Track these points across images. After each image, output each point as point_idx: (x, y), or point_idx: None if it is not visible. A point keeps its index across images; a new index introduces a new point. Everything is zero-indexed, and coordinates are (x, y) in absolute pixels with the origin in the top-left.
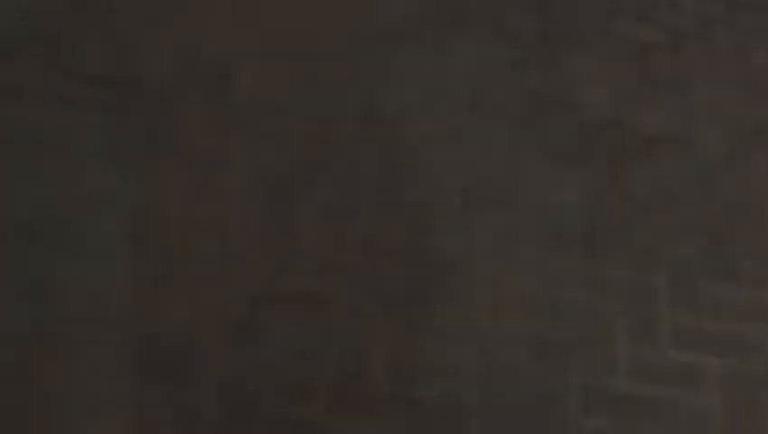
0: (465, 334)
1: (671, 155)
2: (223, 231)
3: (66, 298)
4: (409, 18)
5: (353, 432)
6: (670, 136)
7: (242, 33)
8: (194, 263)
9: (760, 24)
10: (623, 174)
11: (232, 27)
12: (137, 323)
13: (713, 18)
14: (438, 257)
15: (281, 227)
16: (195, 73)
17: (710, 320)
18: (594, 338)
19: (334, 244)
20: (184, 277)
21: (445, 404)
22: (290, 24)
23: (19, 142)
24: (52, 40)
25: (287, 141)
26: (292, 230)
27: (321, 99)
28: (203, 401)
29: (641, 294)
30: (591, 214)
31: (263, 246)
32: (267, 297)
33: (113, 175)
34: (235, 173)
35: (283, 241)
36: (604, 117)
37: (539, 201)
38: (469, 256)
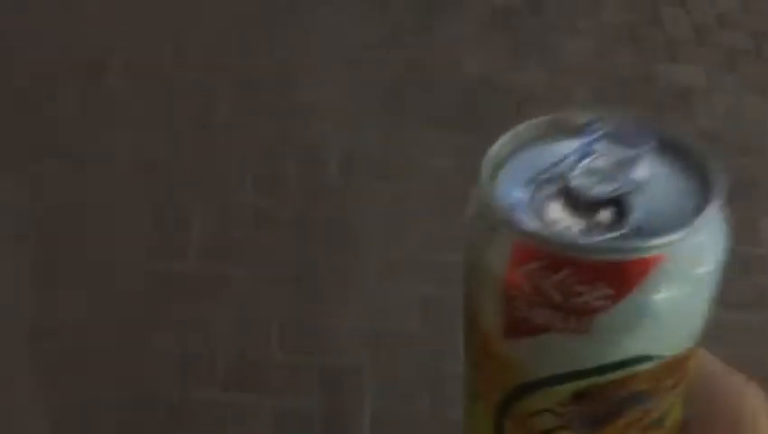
0: (357, 300)
1: (543, 113)
2: (108, 219)
3: None
4: None
5: (252, 409)
6: (540, 95)
7: (116, 19)
8: (81, 252)
9: None
10: (498, 137)
11: (106, 16)
12: (29, 319)
13: None
14: (326, 227)
15: (167, 209)
16: (70, 62)
17: None
18: None
19: (220, 221)
20: (72, 268)
21: (340, 368)
22: (163, 4)
23: None
24: None
25: (166, 122)
26: (177, 210)
27: (197, 77)
28: (102, 392)
29: None
30: (471, 177)
31: (150, 230)
32: (159, 281)
33: None
34: (116, 159)
35: (169, 223)
36: (477, 80)
37: (421, 166)
38: (357, 223)
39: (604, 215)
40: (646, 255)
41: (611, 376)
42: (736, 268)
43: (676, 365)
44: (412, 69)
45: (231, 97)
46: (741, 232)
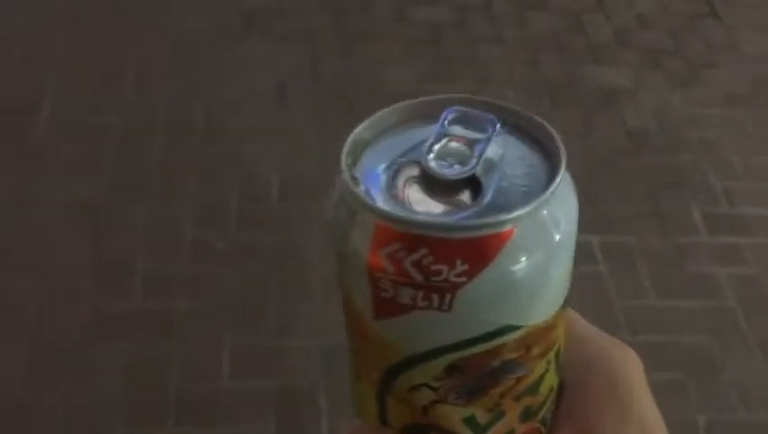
0: (305, 320)
1: None
2: (46, 262)
3: None
4: (214, 27)
5: None
6: None
7: (47, 62)
8: (23, 297)
9: None
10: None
11: (33, 61)
12: None
13: None
14: (268, 252)
15: (106, 249)
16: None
17: None
18: None
19: (162, 257)
20: (11, 314)
21: (294, 389)
22: (93, 49)
23: None
24: None
25: (100, 163)
26: (118, 250)
27: (127, 116)
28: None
29: None
30: None
31: (91, 271)
32: (104, 321)
33: None
34: (51, 203)
35: (110, 263)
36: (405, 95)
37: None
38: (298, 245)
39: (459, 195)
40: (497, 230)
41: (479, 348)
42: (671, 258)
43: (542, 333)
44: (339, 92)
45: (163, 133)
46: (674, 224)
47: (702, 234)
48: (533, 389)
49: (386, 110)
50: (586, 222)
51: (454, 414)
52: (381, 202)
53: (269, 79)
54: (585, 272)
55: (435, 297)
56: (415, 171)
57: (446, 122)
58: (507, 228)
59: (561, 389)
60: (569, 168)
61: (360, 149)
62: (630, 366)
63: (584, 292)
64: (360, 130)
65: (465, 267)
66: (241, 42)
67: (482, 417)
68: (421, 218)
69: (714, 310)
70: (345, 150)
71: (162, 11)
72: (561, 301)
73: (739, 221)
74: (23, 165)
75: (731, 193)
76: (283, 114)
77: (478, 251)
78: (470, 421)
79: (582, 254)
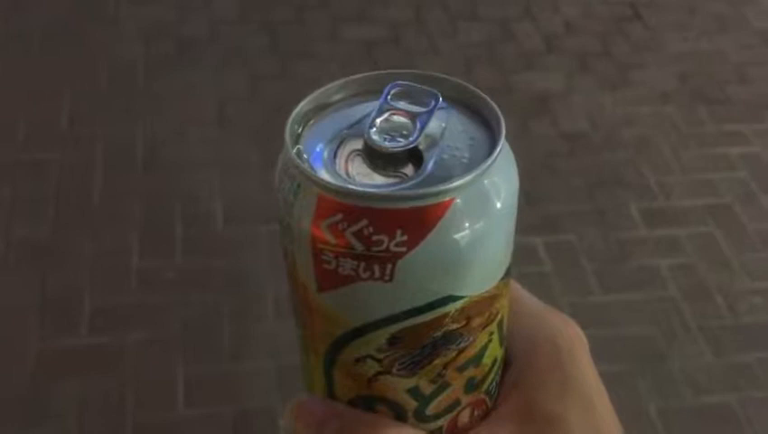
0: (258, 342)
1: None
2: None
3: None
4: (148, 55)
5: None
6: None
7: None
8: None
9: (463, 4)
10: None
11: None
12: None
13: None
14: (217, 277)
15: (50, 286)
16: None
17: None
18: None
19: (108, 290)
20: None
21: (252, 412)
22: (25, 83)
23: None
24: None
25: (39, 200)
26: (62, 286)
27: (67, 150)
28: None
29: None
30: None
31: (35, 309)
32: (52, 358)
33: None
34: None
35: (53, 301)
36: None
37: None
38: (247, 268)
39: (402, 168)
40: (437, 200)
41: (421, 319)
42: (613, 253)
43: (484, 304)
44: (278, 113)
45: (103, 165)
46: (613, 220)
47: (641, 228)
48: (476, 360)
49: (330, 85)
50: (529, 224)
51: (398, 385)
52: (323, 174)
53: (207, 104)
54: (531, 273)
55: (377, 268)
56: (358, 144)
57: (389, 96)
58: (447, 198)
59: (507, 361)
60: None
61: (303, 123)
62: (573, 338)
63: (531, 292)
64: (304, 104)
65: (405, 237)
66: (176, 69)
67: (426, 388)
68: (361, 189)
69: (657, 301)
70: (289, 123)
71: (94, 42)
72: (503, 272)
73: (675, 214)
74: None
75: (666, 186)
76: (223, 138)
77: (418, 221)
78: (414, 392)
79: (527, 255)
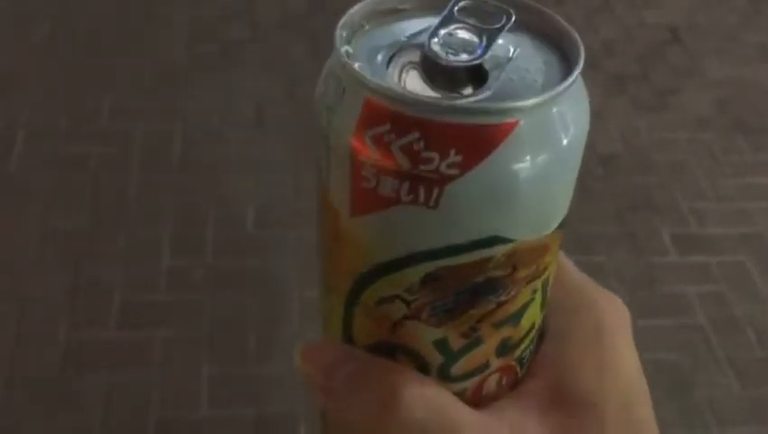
0: (283, 346)
1: None
2: (19, 293)
3: None
4: (190, 56)
5: None
6: None
7: (20, 93)
8: None
9: None
10: None
11: (11, 89)
12: None
13: None
14: (245, 279)
15: (82, 279)
16: None
17: None
18: None
19: (138, 286)
20: None
21: (274, 416)
22: (68, 79)
23: None
24: None
25: (75, 193)
26: (94, 279)
27: (106, 146)
28: None
29: None
30: None
31: (67, 301)
32: (80, 351)
33: None
34: (24, 232)
35: (87, 293)
36: None
37: None
38: (275, 272)
39: (463, 87)
40: (500, 120)
41: (462, 259)
42: (643, 278)
43: (533, 253)
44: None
45: (140, 163)
46: (644, 244)
47: (672, 254)
48: (515, 318)
49: None
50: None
51: (425, 334)
52: (374, 78)
53: (246, 106)
54: None
55: (422, 191)
56: (415, 56)
57: (454, 10)
58: (511, 119)
59: (543, 332)
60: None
61: (357, 28)
62: (616, 317)
63: None
64: (358, 8)
65: (459, 157)
66: (217, 70)
67: (455, 342)
68: (413, 96)
69: (685, 328)
70: (340, 24)
71: (137, 40)
72: (559, 220)
73: (707, 241)
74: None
75: (699, 213)
76: (260, 141)
77: (476, 141)
78: (442, 345)
79: None
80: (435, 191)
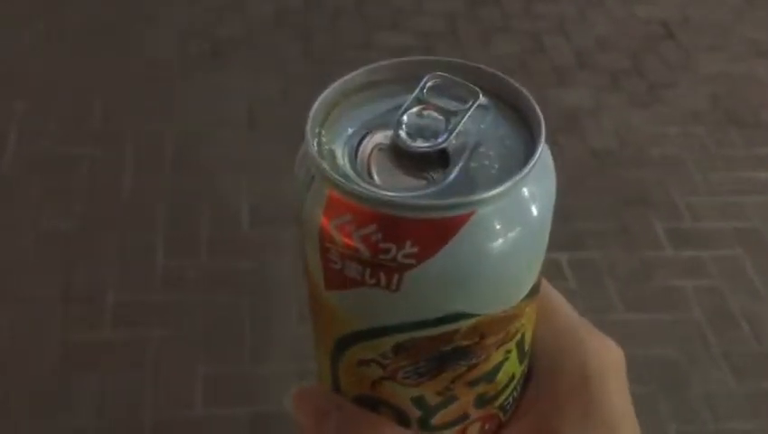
0: (280, 345)
1: None
2: (13, 294)
3: None
4: (183, 56)
5: None
6: None
7: (12, 93)
8: None
9: (495, 16)
10: None
11: (3, 89)
12: None
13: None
14: (241, 278)
15: (76, 280)
16: None
17: None
18: None
19: (133, 286)
20: None
21: (271, 415)
22: (60, 79)
23: None
24: None
25: (70, 194)
26: (88, 280)
27: (98, 147)
28: None
29: None
30: None
31: (61, 302)
32: (74, 352)
33: None
34: (17, 233)
35: (81, 294)
36: None
37: None
38: (271, 271)
39: (428, 169)
40: (454, 214)
41: (428, 332)
42: (637, 272)
43: (499, 323)
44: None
45: (133, 163)
46: (639, 239)
47: (667, 249)
48: (489, 376)
49: (359, 70)
50: (554, 240)
51: (402, 392)
52: (337, 171)
53: (238, 106)
54: (556, 289)
55: (383, 276)
56: (384, 138)
57: (425, 88)
58: (466, 211)
59: (529, 375)
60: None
61: (328, 110)
62: (608, 364)
63: None
64: (329, 91)
65: (415, 249)
66: (210, 70)
67: (431, 399)
68: (372, 192)
69: (680, 323)
70: (312, 110)
71: (129, 41)
72: (524, 292)
73: (702, 235)
74: None
75: (693, 208)
76: (252, 140)
77: (429, 234)
78: (419, 401)
79: (551, 271)
80: (396, 277)
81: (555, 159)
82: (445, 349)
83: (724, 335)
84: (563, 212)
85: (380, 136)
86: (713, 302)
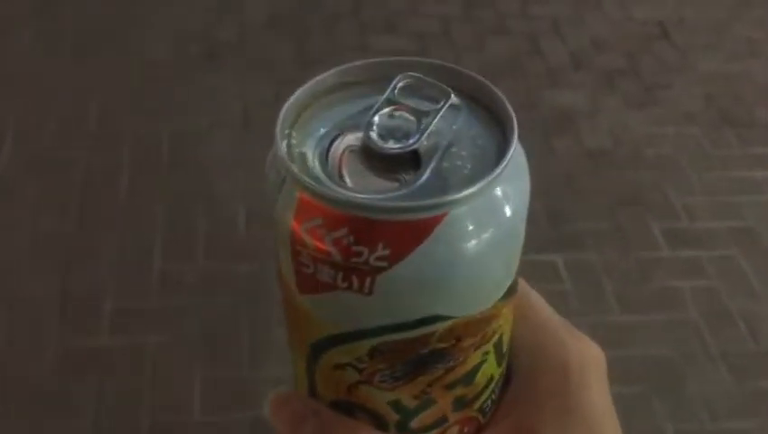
0: (276, 348)
1: None
2: (10, 297)
3: None
4: (177, 58)
5: None
6: None
7: (8, 96)
8: None
9: (490, 17)
10: None
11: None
12: None
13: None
14: (238, 281)
15: (73, 283)
16: None
17: None
18: None
19: (130, 290)
20: None
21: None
22: (56, 82)
23: None
24: None
25: (66, 196)
26: (85, 284)
27: (94, 149)
28: None
29: None
30: None
31: (57, 306)
32: (72, 357)
33: None
34: (14, 236)
35: (74, 298)
36: None
37: None
38: (267, 274)
39: (399, 171)
40: (426, 215)
41: (403, 335)
42: (634, 273)
43: (476, 325)
44: None
45: (129, 165)
46: (635, 240)
47: (663, 249)
48: (466, 379)
49: (330, 71)
50: (549, 242)
51: (379, 396)
52: (307, 173)
53: (235, 108)
54: (551, 290)
55: (355, 280)
56: (355, 139)
57: (396, 89)
58: (438, 213)
59: (508, 377)
60: (532, 179)
61: (299, 112)
62: (588, 362)
63: None
64: (302, 91)
65: (387, 251)
66: (205, 72)
67: (408, 402)
68: (343, 195)
69: (677, 323)
70: (282, 113)
71: (125, 42)
72: (500, 293)
73: (698, 236)
74: None
75: (689, 208)
76: (247, 142)
77: (401, 236)
78: (396, 405)
79: (546, 273)
80: (368, 280)
81: (550, 160)
82: (422, 352)
83: (721, 335)
84: (558, 213)
85: (352, 138)
86: (709, 302)
